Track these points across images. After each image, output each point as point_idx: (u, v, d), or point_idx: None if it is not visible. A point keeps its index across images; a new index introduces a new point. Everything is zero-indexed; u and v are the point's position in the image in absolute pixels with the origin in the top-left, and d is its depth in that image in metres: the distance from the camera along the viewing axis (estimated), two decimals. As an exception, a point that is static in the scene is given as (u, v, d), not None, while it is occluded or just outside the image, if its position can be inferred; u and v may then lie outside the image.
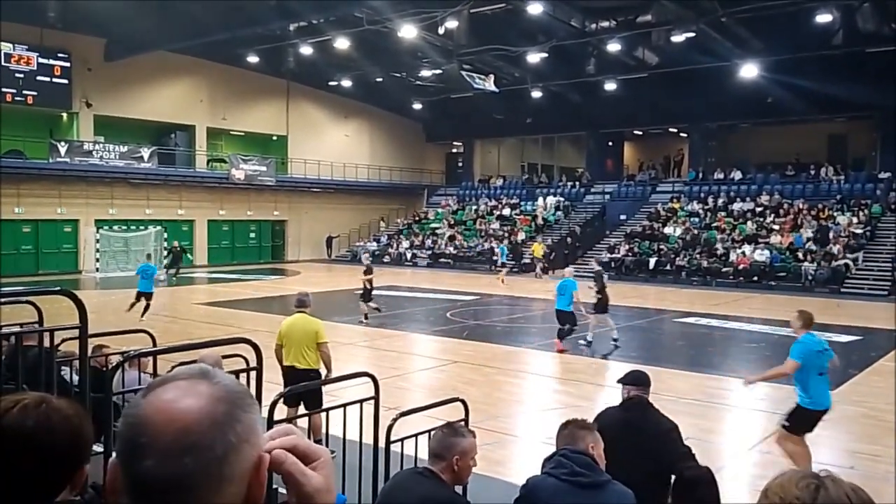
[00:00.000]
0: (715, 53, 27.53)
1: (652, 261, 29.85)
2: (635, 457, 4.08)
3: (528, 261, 32.19)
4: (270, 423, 4.56)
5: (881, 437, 9.00)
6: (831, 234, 28.10)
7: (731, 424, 10.21)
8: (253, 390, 4.91)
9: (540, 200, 38.52)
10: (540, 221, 36.58)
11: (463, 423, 4.80)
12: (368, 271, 17.70)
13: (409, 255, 36.50)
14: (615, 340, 14.73)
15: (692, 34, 26.03)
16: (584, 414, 4.17)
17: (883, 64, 26.71)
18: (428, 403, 5.86)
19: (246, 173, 35.01)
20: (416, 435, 4.86)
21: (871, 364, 13.20)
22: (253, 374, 5.05)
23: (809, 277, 26.21)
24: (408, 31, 26.18)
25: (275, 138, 38.91)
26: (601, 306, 14.69)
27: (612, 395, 10.37)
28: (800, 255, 27.35)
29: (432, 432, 3.74)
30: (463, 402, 5.63)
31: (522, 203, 39.21)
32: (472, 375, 12.18)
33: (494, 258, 31.77)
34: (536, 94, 35.42)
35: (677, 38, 26.22)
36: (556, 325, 14.23)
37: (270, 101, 37.92)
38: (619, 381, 5.04)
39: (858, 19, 24.52)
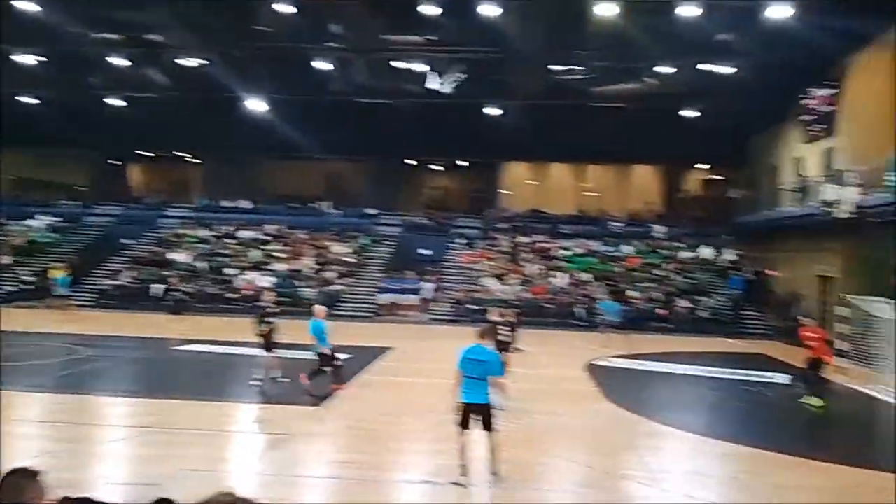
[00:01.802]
0: (228, 84, 28.07)
1: (158, 287, 28.78)
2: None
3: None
4: None
5: (364, 445, 10.01)
6: (325, 263, 31.02)
7: (238, 451, 10.17)
8: None
9: (32, 220, 34.09)
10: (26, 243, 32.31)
11: None
12: None
13: None
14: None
15: (205, 62, 26.19)
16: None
17: (372, 113, 30.72)
18: None
19: None
20: None
21: (354, 378, 14.70)
22: None
23: (312, 301, 28.29)
24: None
25: None
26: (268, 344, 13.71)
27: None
28: (296, 281, 29.44)
29: None
30: None
31: (8, 222, 34.10)
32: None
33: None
34: (29, 99, 31.36)
35: (189, 63, 26.06)
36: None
37: None
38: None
39: (353, 72, 27.71)
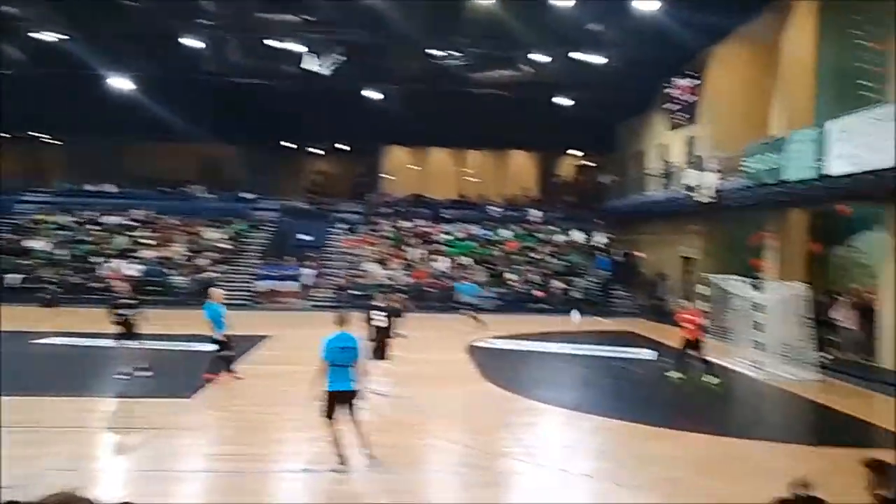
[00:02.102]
0: (90, 62, 26.35)
1: (15, 277, 26.83)
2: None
3: None
4: None
5: (240, 436, 9.72)
6: (199, 249, 29.91)
7: (106, 448, 9.58)
8: None
9: None
10: None
11: None
12: None
13: None
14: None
15: (64, 37, 24.48)
16: None
17: (249, 94, 29.70)
18: None
19: None
20: None
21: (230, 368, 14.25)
22: None
23: (183, 289, 27.20)
24: None
25: None
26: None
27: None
28: (165, 269, 28.22)
29: None
30: None
31: None
32: None
33: None
34: None
35: (46, 38, 24.28)
36: None
37: None
38: None
39: (227, 51, 26.67)
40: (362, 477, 8.15)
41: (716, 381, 14.45)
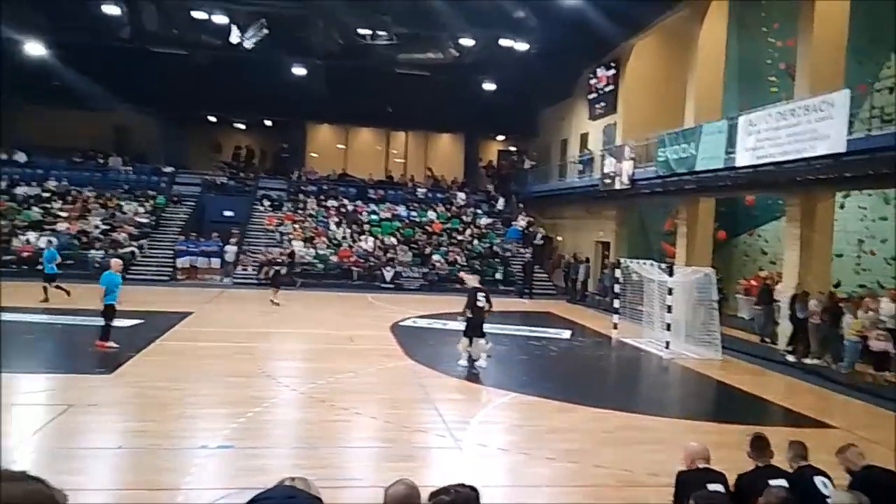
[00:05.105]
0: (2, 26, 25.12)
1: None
2: None
3: None
4: None
5: (148, 412, 9.66)
6: (117, 222, 28.99)
7: (16, 424, 9.38)
8: None
9: None
10: None
11: None
12: None
13: None
14: None
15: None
16: None
17: (165, 63, 28.83)
18: None
19: None
20: None
21: (149, 345, 14.11)
22: None
23: (97, 265, 26.37)
24: None
25: None
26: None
27: None
28: (84, 240, 27.36)
29: None
30: None
31: None
32: None
33: None
34: None
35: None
36: None
37: None
38: None
39: (144, 18, 25.88)
40: (277, 452, 8.32)
41: None
